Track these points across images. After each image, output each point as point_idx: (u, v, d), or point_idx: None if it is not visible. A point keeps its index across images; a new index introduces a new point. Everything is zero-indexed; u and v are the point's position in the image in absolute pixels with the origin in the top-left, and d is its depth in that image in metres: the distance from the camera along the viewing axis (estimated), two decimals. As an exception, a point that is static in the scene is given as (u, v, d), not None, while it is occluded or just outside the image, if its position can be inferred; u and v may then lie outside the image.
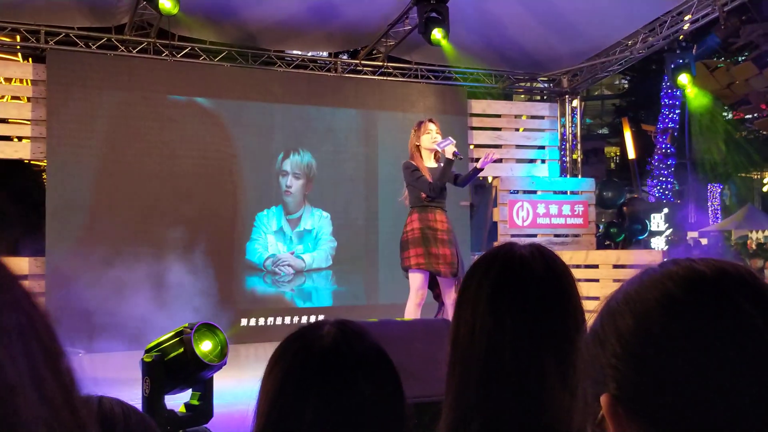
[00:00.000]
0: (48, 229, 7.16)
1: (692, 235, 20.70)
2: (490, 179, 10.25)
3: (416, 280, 5.03)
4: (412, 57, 9.05)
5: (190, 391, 3.38)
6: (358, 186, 8.54)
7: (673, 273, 0.67)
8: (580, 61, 9.33)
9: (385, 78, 9.01)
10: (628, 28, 8.51)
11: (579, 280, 1.23)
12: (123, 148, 7.53)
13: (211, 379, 3.36)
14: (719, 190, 23.69)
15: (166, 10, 6.70)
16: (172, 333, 3.26)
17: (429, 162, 5.19)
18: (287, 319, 7.99)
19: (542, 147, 9.81)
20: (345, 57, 9.80)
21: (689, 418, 0.61)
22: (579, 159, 10.19)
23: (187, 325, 3.27)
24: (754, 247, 12.78)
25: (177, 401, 3.37)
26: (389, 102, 8.80)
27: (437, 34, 7.31)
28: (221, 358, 3.25)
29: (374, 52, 8.93)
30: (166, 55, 7.94)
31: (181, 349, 3.12)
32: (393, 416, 1.04)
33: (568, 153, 9.98)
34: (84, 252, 7.14)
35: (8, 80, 7.85)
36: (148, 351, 3.21)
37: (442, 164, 5.11)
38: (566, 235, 9.47)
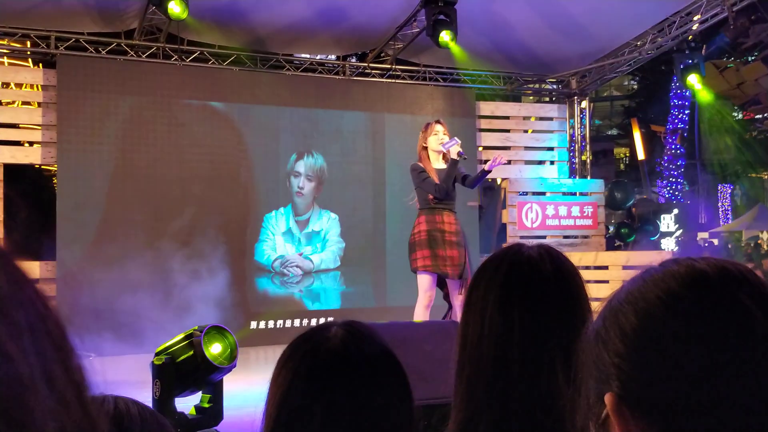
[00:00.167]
0: (59, 232, 7.20)
1: (702, 235, 20.60)
2: (499, 181, 10.25)
3: (424, 281, 5.03)
4: (420, 59, 9.06)
5: (200, 393, 3.39)
6: (366, 188, 8.55)
7: (674, 271, 0.67)
8: (589, 62, 9.31)
9: (393, 80, 9.02)
10: (637, 29, 8.48)
11: (588, 282, 1.23)
12: (133, 153, 7.56)
13: (221, 381, 3.37)
14: (730, 191, 23.56)
15: (175, 15, 6.74)
16: (182, 336, 3.27)
17: (437, 163, 5.19)
18: (296, 322, 8.00)
19: (551, 148, 9.79)
20: (353, 60, 9.82)
21: (694, 415, 0.61)
22: (588, 160, 10.16)
23: (197, 327, 3.28)
24: (766, 248, 12.71)
25: (187, 404, 3.38)
26: (397, 104, 8.81)
27: (445, 36, 7.32)
28: (231, 360, 3.25)
29: (382, 54, 8.94)
30: (176, 59, 7.97)
31: (191, 352, 3.13)
32: (401, 417, 1.04)
33: (577, 154, 9.96)
34: (94, 256, 7.17)
35: (19, 85, 7.91)
36: (158, 354, 3.22)
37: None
38: (575, 237, 9.44)
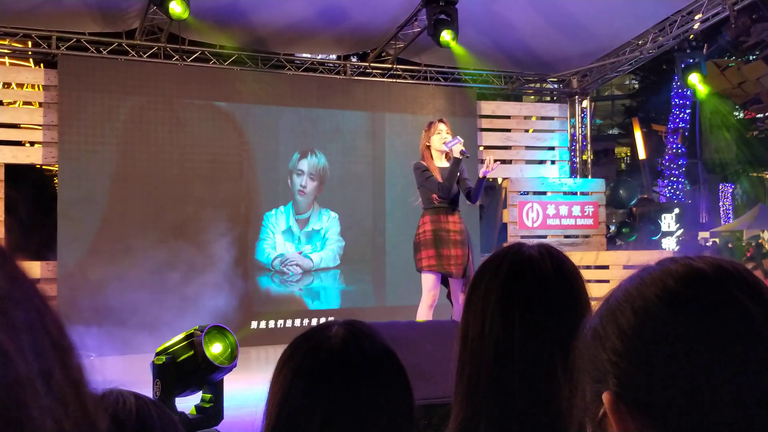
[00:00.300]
0: (60, 232, 7.21)
1: (703, 235, 20.59)
2: (500, 180, 10.24)
3: (428, 281, 5.03)
4: (421, 59, 9.06)
5: (200, 393, 3.39)
6: (366, 187, 8.56)
7: (672, 270, 0.68)
8: (590, 62, 9.31)
9: (394, 80, 9.02)
10: (638, 28, 8.48)
11: (589, 281, 1.23)
12: (134, 153, 7.57)
13: (222, 381, 3.37)
14: (731, 190, 23.55)
15: (176, 15, 6.74)
16: (183, 335, 3.27)
17: (440, 162, 5.18)
18: (297, 322, 8.01)
19: (552, 148, 9.78)
20: (354, 59, 9.82)
21: (692, 412, 0.61)
22: (589, 160, 10.16)
23: (197, 327, 3.28)
24: (767, 247, 12.70)
25: (188, 404, 3.38)
26: (398, 104, 8.81)
27: (446, 35, 7.31)
28: (231, 360, 3.25)
29: (383, 54, 8.94)
30: (177, 59, 7.97)
31: (192, 352, 3.13)
32: (402, 417, 1.04)
33: (578, 154, 9.95)
34: (95, 255, 7.18)
35: (20, 86, 7.91)
36: (158, 353, 3.22)
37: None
38: (576, 236, 9.44)
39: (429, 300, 5.01)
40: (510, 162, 9.58)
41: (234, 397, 3.72)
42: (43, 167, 10.29)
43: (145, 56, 7.87)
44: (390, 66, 8.95)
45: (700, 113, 21.71)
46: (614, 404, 0.65)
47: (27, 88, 8.10)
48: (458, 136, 5.18)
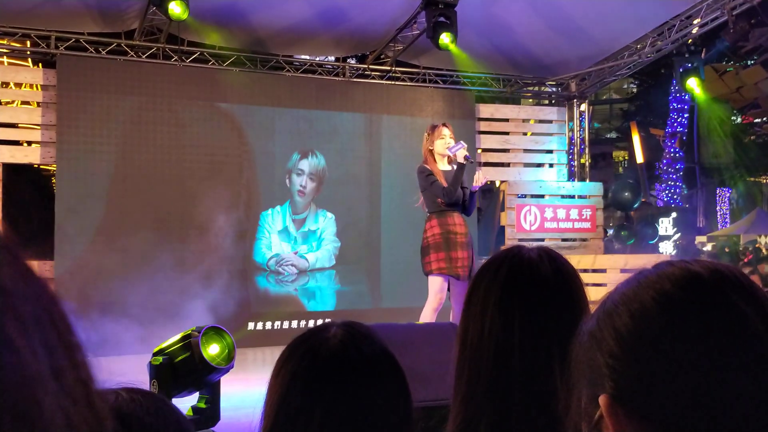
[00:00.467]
0: (57, 232, 7.20)
1: (701, 239, 20.62)
2: (497, 183, 10.25)
3: (436, 283, 5.03)
4: (420, 61, 9.06)
5: (197, 394, 3.39)
6: (362, 188, 8.56)
7: (669, 273, 0.68)
8: (589, 65, 9.32)
9: (393, 82, 9.02)
10: (637, 32, 8.49)
11: (587, 285, 1.23)
12: (132, 153, 7.57)
13: (219, 382, 3.36)
14: (728, 195, 23.59)
15: (175, 16, 6.74)
16: (180, 336, 3.27)
17: (442, 165, 5.19)
18: (294, 324, 8.00)
19: (550, 151, 9.79)
20: (353, 61, 9.83)
21: (688, 415, 0.61)
22: (587, 163, 10.17)
23: (194, 328, 3.28)
24: (765, 252, 12.72)
25: (184, 404, 3.38)
26: (397, 106, 8.82)
27: (445, 38, 7.32)
28: (228, 361, 3.25)
29: (382, 56, 8.95)
30: (176, 60, 7.97)
31: (189, 353, 3.13)
32: (400, 418, 1.04)
33: (576, 157, 9.97)
34: (93, 255, 7.17)
35: (18, 85, 7.90)
36: (155, 354, 3.22)
37: (454, 166, 5.12)
38: (574, 240, 9.45)
39: (435, 303, 5.01)
40: (508, 165, 9.59)
41: (231, 399, 3.72)
42: (41, 167, 10.29)
43: (144, 57, 7.87)
44: (389, 68, 8.96)
45: (698, 118, 21.75)
46: (611, 407, 0.65)
47: (25, 87, 8.10)
48: (461, 142, 5.19)
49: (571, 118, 9.90)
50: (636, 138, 22.07)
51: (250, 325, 7.84)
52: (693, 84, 8.38)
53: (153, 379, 3.10)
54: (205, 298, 7.13)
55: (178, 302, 6.97)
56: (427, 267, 5.07)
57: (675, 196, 22.54)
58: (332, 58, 9.45)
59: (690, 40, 8.50)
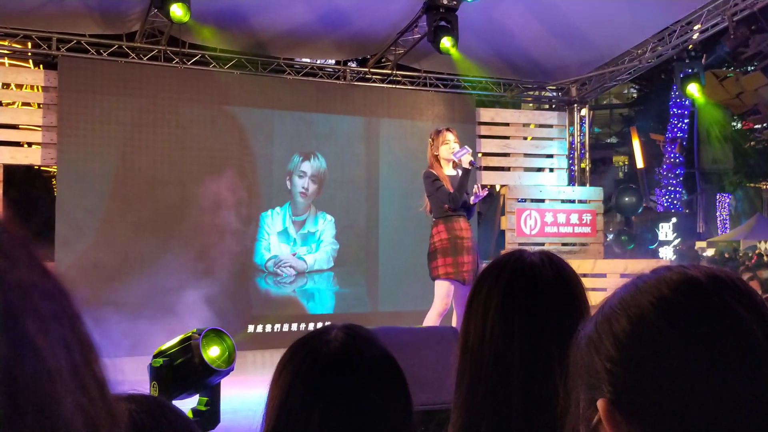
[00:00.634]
0: (57, 234, 7.19)
1: (701, 244, 20.62)
2: (498, 187, 10.25)
3: (443, 288, 5.04)
4: (421, 65, 9.07)
5: (197, 396, 3.39)
6: (361, 191, 8.57)
7: (667, 278, 0.68)
8: (589, 70, 9.33)
9: (393, 86, 9.03)
10: (637, 38, 8.50)
11: (586, 290, 1.24)
12: (133, 155, 7.57)
13: (219, 384, 3.36)
14: (728, 200, 23.60)
15: (177, 18, 6.74)
16: (181, 338, 3.26)
17: (448, 170, 5.20)
18: (294, 326, 8.00)
19: (550, 156, 9.80)
20: (354, 65, 9.84)
21: (686, 420, 0.62)
22: (587, 168, 10.17)
23: (195, 330, 3.28)
24: (766, 258, 12.73)
25: (184, 407, 3.37)
26: (398, 110, 8.83)
27: (446, 42, 7.33)
28: (229, 363, 3.25)
29: (383, 60, 8.96)
30: (177, 62, 7.98)
31: (189, 355, 3.13)
32: (400, 421, 1.04)
33: (576, 162, 9.97)
34: (93, 257, 7.17)
35: (19, 86, 7.90)
36: (155, 356, 3.22)
37: (459, 171, 5.13)
38: (574, 244, 9.45)
39: (441, 307, 5.02)
40: (508, 169, 9.60)
41: (231, 401, 3.71)
42: (42, 168, 10.29)
43: (145, 59, 7.88)
44: (390, 72, 8.97)
45: (699, 123, 21.76)
46: (609, 411, 0.65)
47: (26, 89, 8.10)
48: (466, 146, 5.19)
49: (571, 123, 9.91)
50: (636, 143, 22.09)
51: (250, 328, 7.84)
52: (693, 89, 8.38)
53: (153, 380, 3.09)
54: (206, 300, 7.12)
55: (178, 304, 6.97)
56: (435, 272, 5.07)
57: (675, 202, 22.55)
58: (333, 62, 9.46)
59: (690, 46, 8.51)
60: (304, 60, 8.98)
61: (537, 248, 1.27)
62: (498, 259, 1.26)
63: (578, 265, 8.10)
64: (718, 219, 23.35)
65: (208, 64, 8.21)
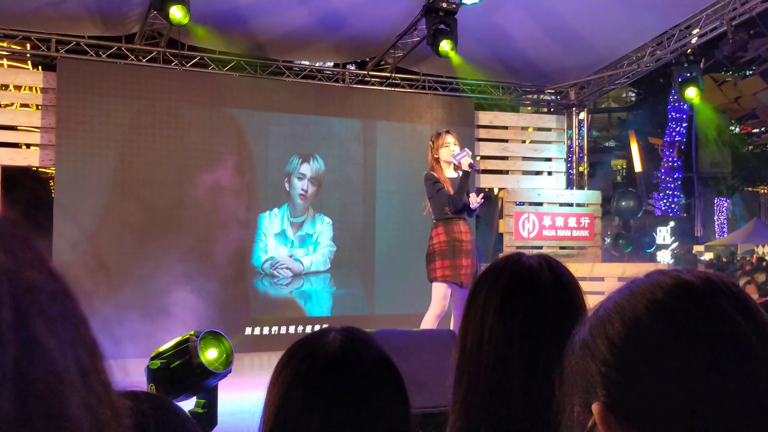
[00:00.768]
0: (55, 235, 7.18)
1: (698, 248, 20.63)
2: (496, 190, 10.26)
3: (440, 290, 5.04)
4: (420, 68, 9.08)
5: (194, 398, 3.38)
6: (357, 193, 8.57)
7: (661, 282, 0.69)
8: (588, 74, 9.35)
9: (392, 89, 9.04)
10: (636, 42, 8.52)
11: (584, 293, 1.24)
12: (131, 157, 7.57)
13: (216, 386, 3.35)
14: (726, 204, 23.62)
15: (176, 20, 6.75)
16: (178, 340, 3.26)
17: (449, 172, 5.20)
18: (292, 329, 8.00)
19: (549, 159, 9.81)
20: (353, 68, 9.84)
21: (681, 423, 0.62)
22: (585, 171, 10.18)
23: (192, 332, 3.27)
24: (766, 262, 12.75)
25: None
26: (396, 113, 8.84)
27: (445, 45, 7.34)
28: (226, 366, 3.24)
29: (382, 63, 8.97)
30: (176, 64, 7.98)
31: (187, 357, 3.12)
32: (398, 423, 1.04)
33: (574, 165, 9.98)
34: (91, 259, 7.16)
35: (18, 88, 7.90)
36: (153, 358, 3.21)
37: (460, 173, 5.13)
38: (572, 248, 9.46)
39: (438, 310, 5.02)
40: (507, 172, 9.61)
41: (228, 403, 3.71)
42: (40, 170, 10.27)
43: (144, 61, 7.88)
44: (388, 74, 8.98)
45: (697, 127, 21.79)
46: (604, 415, 0.66)
47: (25, 90, 8.09)
48: (466, 149, 5.20)
49: (570, 127, 9.92)
50: (634, 147, 22.12)
51: (248, 330, 7.84)
52: (692, 93, 8.40)
53: (150, 383, 3.09)
54: (204, 302, 7.11)
55: (176, 306, 6.96)
56: (432, 273, 5.08)
57: (673, 206, 22.57)
58: (332, 64, 9.47)
59: (689, 50, 8.53)
60: (303, 62, 8.98)
61: (535, 251, 1.27)
62: (496, 262, 1.26)
63: (576, 268, 8.10)
64: (716, 223, 23.37)
65: (207, 66, 8.21)
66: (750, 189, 24.78)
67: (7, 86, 7.89)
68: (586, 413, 0.68)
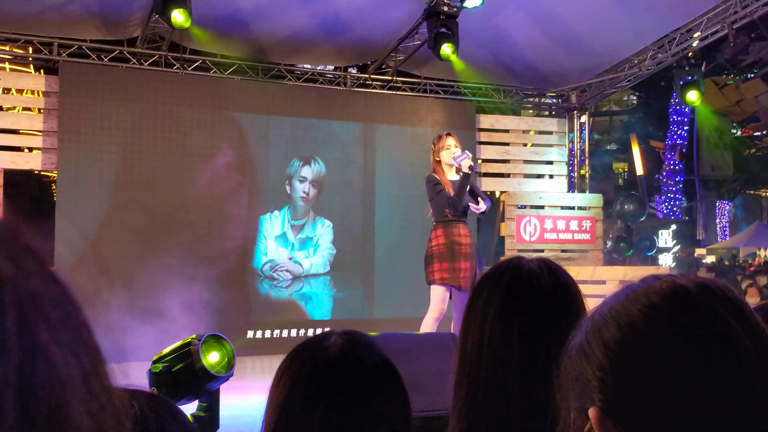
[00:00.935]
0: (57, 239, 7.19)
1: (700, 251, 20.61)
2: (497, 194, 10.26)
3: (438, 293, 5.04)
4: (421, 71, 9.09)
5: (196, 402, 3.39)
6: (357, 196, 8.58)
7: (656, 287, 0.69)
8: (589, 77, 9.35)
9: (394, 92, 9.05)
10: (637, 45, 8.52)
11: (586, 296, 1.24)
12: (133, 160, 7.58)
13: (218, 390, 3.36)
14: (728, 207, 23.60)
15: (178, 24, 6.76)
16: (180, 344, 3.26)
17: (450, 175, 5.21)
18: (293, 332, 8.00)
19: (550, 162, 9.81)
20: (354, 71, 9.85)
21: (677, 426, 0.62)
22: (587, 174, 10.18)
23: (194, 336, 3.28)
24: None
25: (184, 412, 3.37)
26: (398, 116, 8.84)
27: (446, 49, 7.34)
28: (228, 369, 3.25)
29: (383, 66, 8.98)
30: (178, 68, 8.00)
31: (189, 360, 3.13)
32: (399, 427, 1.05)
33: (575, 168, 9.98)
34: (93, 262, 7.17)
35: (20, 91, 7.92)
36: (155, 361, 3.21)
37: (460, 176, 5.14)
38: (573, 251, 9.45)
39: (436, 312, 5.01)
40: (508, 176, 9.61)
41: (229, 407, 3.71)
42: (42, 173, 10.29)
43: (146, 64, 7.89)
44: (390, 78, 8.99)
45: (698, 130, 21.78)
46: (600, 419, 0.66)
47: (27, 94, 8.11)
48: (466, 151, 5.21)
49: (571, 130, 9.93)
50: (636, 150, 22.10)
51: (249, 334, 7.84)
52: (693, 97, 8.40)
53: (152, 386, 3.09)
54: (205, 305, 7.12)
55: (178, 309, 6.97)
56: (430, 276, 5.07)
57: (674, 209, 22.54)
58: (333, 68, 9.49)
59: (690, 54, 8.53)
60: (304, 66, 9.00)
61: (535, 255, 1.28)
62: (496, 266, 1.26)
63: (577, 271, 8.09)
64: (718, 226, 23.35)
65: (209, 70, 8.23)
66: (752, 192, 24.76)
67: (9, 90, 7.92)
68: (583, 418, 0.68)
